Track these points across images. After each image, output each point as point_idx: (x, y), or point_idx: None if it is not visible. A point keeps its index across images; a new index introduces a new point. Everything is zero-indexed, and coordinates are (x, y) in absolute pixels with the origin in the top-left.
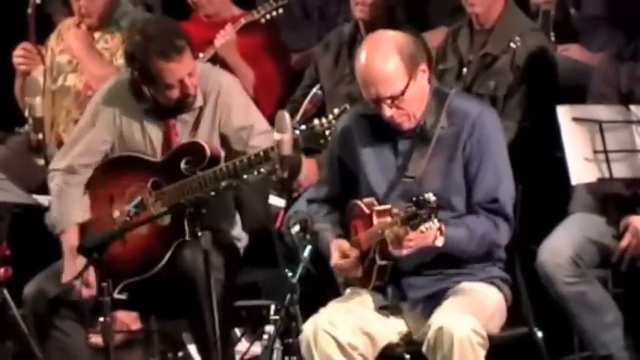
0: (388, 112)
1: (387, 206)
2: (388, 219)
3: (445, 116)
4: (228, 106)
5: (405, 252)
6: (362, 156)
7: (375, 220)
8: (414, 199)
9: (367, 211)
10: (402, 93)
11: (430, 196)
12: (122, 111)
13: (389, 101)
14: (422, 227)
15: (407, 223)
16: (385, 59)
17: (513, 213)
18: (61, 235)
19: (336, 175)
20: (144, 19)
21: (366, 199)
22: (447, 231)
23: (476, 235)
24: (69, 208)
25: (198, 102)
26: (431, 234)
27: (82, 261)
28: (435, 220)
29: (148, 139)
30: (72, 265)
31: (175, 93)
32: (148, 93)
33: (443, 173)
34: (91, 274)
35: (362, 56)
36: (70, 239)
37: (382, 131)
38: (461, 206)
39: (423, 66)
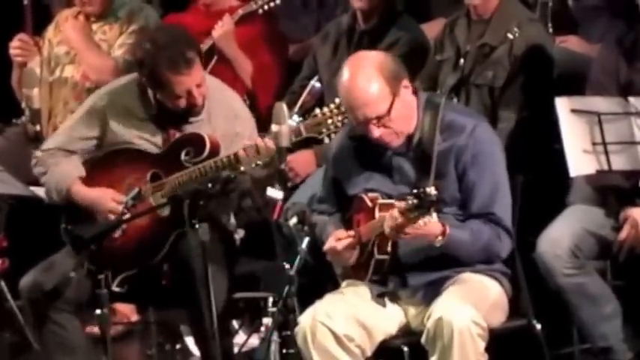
0: (376, 132)
1: (391, 200)
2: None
3: (439, 131)
4: (236, 134)
5: (401, 237)
6: (355, 175)
7: (378, 214)
8: (414, 191)
9: (370, 204)
10: (388, 112)
11: (431, 190)
12: (120, 116)
13: (375, 121)
14: (420, 221)
15: (406, 215)
16: (368, 81)
17: (513, 203)
18: (71, 189)
19: (334, 195)
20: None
21: (372, 194)
22: (452, 232)
23: (479, 242)
24: (68, 169)
25: (202, 115)
26: (431, 228)
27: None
28: (434, 215)
29: (146, 145)
30: (103, 193)
31: (182, 102)
32: (153, 100)
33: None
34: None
35: (344, 79)
36: (82, 187)
37: (375, 149)
38: (456, 212)
39: (405, 82)
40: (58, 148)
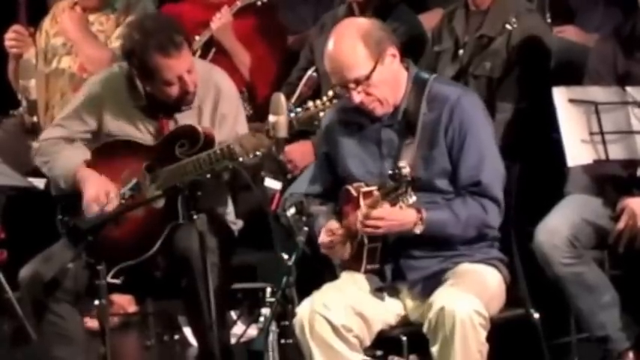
0: (357, 97)
1: (373, 187)
2: None
3: (425, 102)
4: (223, 115)
5: (377, 227)
6: (345, 148)
7: (362, 202)
8: (389, 172)
9: (355, 194)
10: (368, 77)
11: (406, 169)
12: (114, 105)
13: (354, 85)
14: (400, 202)
15: (386, 198)
16: (348, 45)
17: (511, 193)
18: (77, 174)
19: (325, 172)
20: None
21: (356, 184)
22: (428, 215)
23: (461, 218)
24: (72, 155)
25: (194, 102)
26: (406, 216)
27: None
28: (412, 194)
29: (140, 134)
30: (101, 181)
31: (175, 90)
32: (143, 91)
33: (426, 160)
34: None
35: (328, 44)
36: (87, 170)
37: (364, 122)
38: (447, 187)
39: (392, 50)
40: (57, 137)
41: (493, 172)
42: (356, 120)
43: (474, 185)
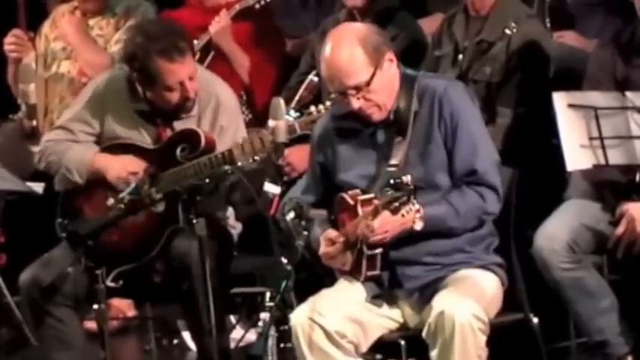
0: (356, 103)
1: (371, 195)
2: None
3: (416, 99)
4: (222, 127)
5: (383, 238)
6: (341, 155)
7: (360, 210)
8: (391, 181)
9: (352, 202)
10: (368, 83)
11: (407, 178)
12: (116, 107)
13: (354, 91)
14: (402, 211)
15: (387, 207)
16: (346, 51)
17: (510, 198)
18: (94, 161)
19: (319, 182)
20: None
21: (351, 191)
22: (426, 211)
23: (460, 210)
24: (84, 147)
25: (194, 111)
26: (408, 218)
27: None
28: (415, 202)
29: (141, 138)
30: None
31: (175, 96)
32: (143, 96)
33: (423, 156)
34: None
35: (325, 50)
36: (103, 156)
37: (358, 127)
38: (446, 182)
39: (389, 55)
40: (62, 140)
41: (487, 159)
42: (349, 126)
43: (470, 174)
